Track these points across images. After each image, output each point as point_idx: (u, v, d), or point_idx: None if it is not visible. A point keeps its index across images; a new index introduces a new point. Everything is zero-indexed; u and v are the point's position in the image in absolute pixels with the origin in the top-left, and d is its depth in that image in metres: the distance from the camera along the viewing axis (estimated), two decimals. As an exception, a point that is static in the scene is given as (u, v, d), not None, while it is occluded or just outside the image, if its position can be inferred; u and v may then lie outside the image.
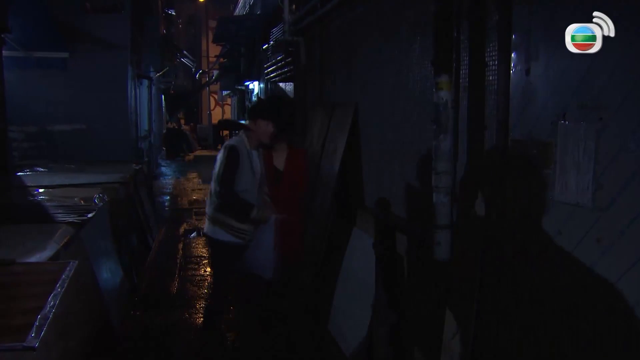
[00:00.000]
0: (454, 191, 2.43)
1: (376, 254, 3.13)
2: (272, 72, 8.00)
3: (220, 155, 3.25)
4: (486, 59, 2.22)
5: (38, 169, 6.10)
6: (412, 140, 2.96)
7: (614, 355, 1.56)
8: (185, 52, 19.16)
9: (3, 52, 5.39)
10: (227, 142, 3.33)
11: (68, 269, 2.33)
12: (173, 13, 19.21)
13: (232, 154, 3.17)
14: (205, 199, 3.54)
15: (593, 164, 1.63)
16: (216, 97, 25.40)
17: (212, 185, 3.27)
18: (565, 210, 1.75)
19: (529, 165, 1.95)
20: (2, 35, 5.31)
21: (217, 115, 23.75)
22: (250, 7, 13.93)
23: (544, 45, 1.85)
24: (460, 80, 2.42)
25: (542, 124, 1.86)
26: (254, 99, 12.23)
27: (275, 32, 7.45)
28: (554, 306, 1.82)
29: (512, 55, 2.03)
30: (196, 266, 5.58)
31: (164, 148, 17.64)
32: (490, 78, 2.19)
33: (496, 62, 2.13)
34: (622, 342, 1.53)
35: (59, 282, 2.17)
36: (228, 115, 22.54)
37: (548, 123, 1.82)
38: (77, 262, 2.46)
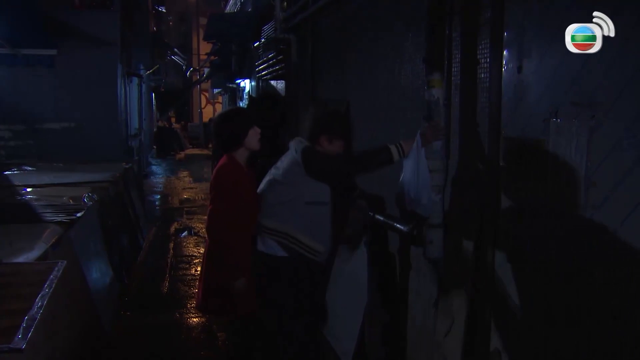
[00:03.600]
0: (446, 189, 2.43)
1: (368, 253, 3.12)
2: (263, 69, 7.96)
3: (293, 153, 2.64)
4: (478, 57, 2.21)
5: (26, 167, 6.04)
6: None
7: None
8: (175, 49, 19.03)
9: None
10: (299, 145, 2.68)
11: (56, 269, 2.30)
12: (163, 10, 19.06)
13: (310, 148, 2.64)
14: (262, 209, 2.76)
15: (585, 161, 1.62)
16: (207, 95, 25.27)
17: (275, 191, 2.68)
18: (558, 207, 1.75)
19: (521, 162, 1.95)
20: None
21: (208, 113, 23.62)
22: (242, 4, 13.86)
23: (537, 43, 1.84)
24: (453, 78, 2.42)
25: (535, 122, 1.85)
26: (245, 97, 12.17)
27: (267, 29, 7.41)
28: (550, 304, 1.81)
29: (505, 52, 2.03)
30: (187, 266, 5.54)
31: (155, 147, 17.51)
32: (483, 76, 2.19)
33: (488, 60, 2.12)
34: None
35: (47, 283, 2.14)
36: (219, 113, 22.39)
37: (540, 120, 1.82)
38: (65, 262, 2.43)
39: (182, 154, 17.97)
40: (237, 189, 2.68)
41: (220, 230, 2.66)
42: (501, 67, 2.04)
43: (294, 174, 2.63)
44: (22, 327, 1.74)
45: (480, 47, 2.20)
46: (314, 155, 2.61)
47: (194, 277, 5.15)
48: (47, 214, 3.56)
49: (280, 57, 6.58)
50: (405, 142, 2.42)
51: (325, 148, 2.67)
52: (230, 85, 14.84)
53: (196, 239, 6.62)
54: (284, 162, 2.71)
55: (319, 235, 2.66)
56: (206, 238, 2.80)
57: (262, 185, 2.78)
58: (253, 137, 2.74)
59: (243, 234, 2.72)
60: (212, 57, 16.67)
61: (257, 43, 8.58)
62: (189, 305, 4.42)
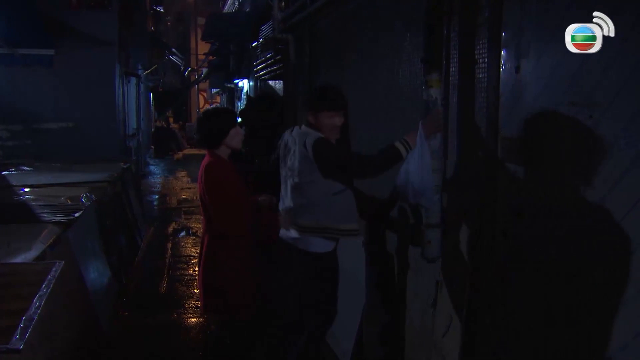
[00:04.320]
0: (444, 189, 2.43)
1: (366, 253, 3.12)
2: (261, 69, 7.96)
3: (302, 149, 2.61)
4: (476, 57, 2.21)
5: (24, 168, 6.02)
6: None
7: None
8: (173, 49, 19.01)
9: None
10: (306, 136, 2.65)
11: (54, 269, 2.30)
12: (161, 10, 19.05)
13: (323, 140, 2.61)
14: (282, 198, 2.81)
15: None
16: (205, 95, 25.25)
17: (291, 184, 2.70)
18: (556, 207, 1.75)
19: (519, 162, 1.95)
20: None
21: (206, 113, 23.58)
22: (240, 4, 13.86)
23: (535, 43, 1.84)
24: (450, 78, 2.42)
25: (532, 122, 1.86)
26: (244, 97, 12.16)
27: (265, 29, 7.41)
28: (546, 303, 1.82)
29: (503, 52, 2.03)
30: (185, 266, 5.54)
31: (153, 146, 17.50)
32: (480, 75, 2.19)
33: (486, 60, 2.12)
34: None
35: (45, 283, 2.13)
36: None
37: (538, 120, 1.82)
38: (63, 262, 2.43)
39: (180, 154, 17.96)
40: (228, 183, 2.69)
41: (236, 222, 2.68)
42: (499, 67, 2.04)
43: (310, 172, 2.63)
44: (19, 328, 1.74)
45: (478, 47, 2.20)
46: (325, 149, 2.59)
47: (192, 277, 5.15)
48: (45, 214, 3.55)
49: (278, 57, 6.58)
50: (409, 136, 2.42)
51: (318, 123, 2.66)
52: (228, 85, 14.84)
53: (194, 239, 6.62)
54: (294, 162, 2.68)
55: (352, 216, 2.71)
56: (204, 238, 2.79)
57: (282, 189, 2.82)
58: (234, 138, 2.74)
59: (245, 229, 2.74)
60: (210, 57, 16.67)
61: (255, 43, 8.59)
62: (187, 306, 4.42)
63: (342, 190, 2.67)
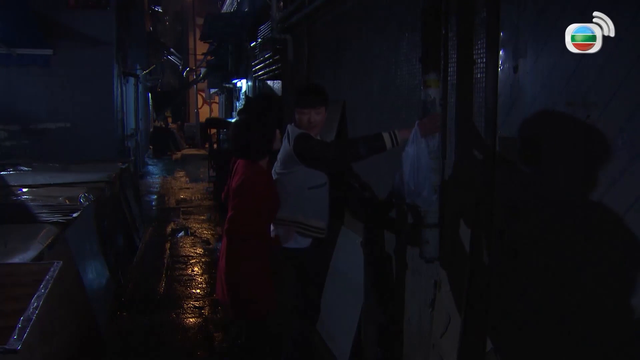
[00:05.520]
0: (443, 189, 2.43)
1: (365, 253, 3.12)
2: (259, 69, 7.98)
3: (286, 143, 2.68)
4: (474, 57, 2.22)
5: (21, 168, 6.00)
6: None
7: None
8: (172, 49, 19.00)
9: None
10: (293, 132, 2.70)
11: (52, 269, 2.29)
12: (159, 9, 19.03)
13: (304, 134, 2.66)
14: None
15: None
16: (204, 95, 25.23)
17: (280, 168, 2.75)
18: (554, 207, 1.75)
19: (517, 162, 1.96)
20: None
21: (204, 113, 23.57)
22: (238, 4, 13.86)
23: (533, 43, 1.84)
24: (449, 78, 2.42)
25: (530, 122, 1.86)
26: (242, 97, 12.16)
27: (263, 29, 7.42)
28: (544, 303, 1.82)
29: (500, 52, 2.03)
30: (183, 266, 5.53)
31: (151, 147, 17.49)
32: (479, 75, 2.19)
33: (484, 60, 2.13)
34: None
35: (43, 283, 2.12)
36: (216, 113, 22.42)
37: (536, 120, 1.83)
38: (61, 262, 2.42)
39: (178, 154, 17.94)
40: (262, 196, 2.61)
41: (243, 226, 2.61)
42: (497, 67, 2.04)
43: (291, 164, 2.69)
44: (17, 328, 1.73)
45: (476, 47, 2.21)
46: (305, 142, 2.63)
47: (190, 278, 5.15)
48: (43, 215, 3.54)
49: (277, 57, 6.59)
50: (400, 131, 2.41)
51: (295, 119, 2.75)
52: (227, 85, 14.85)
53: (193, 239, 6.62)
54: (281, 154, 2.78)
55: (322, 214, 2.78)
56: (225, 237, 2.71)
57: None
58: (277, 139, 2.72)
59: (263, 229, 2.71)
60: (209, 57, 16.66)
61: (254, 43, 8.60)
62: (185, 306, 4.41)
63: (318, 186, 2.71)
